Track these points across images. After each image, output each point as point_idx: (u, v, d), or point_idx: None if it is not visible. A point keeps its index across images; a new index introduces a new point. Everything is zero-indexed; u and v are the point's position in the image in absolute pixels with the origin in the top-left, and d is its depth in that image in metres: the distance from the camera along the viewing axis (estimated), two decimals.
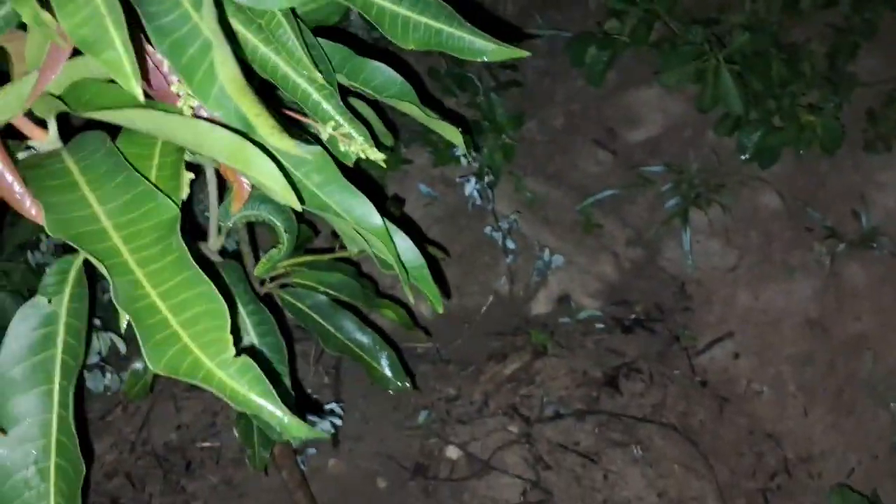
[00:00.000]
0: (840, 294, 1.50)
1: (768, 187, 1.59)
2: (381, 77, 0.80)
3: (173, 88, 0.60)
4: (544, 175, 1.73)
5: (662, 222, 1.61)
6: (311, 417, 1.33)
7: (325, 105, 0.71)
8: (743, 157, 1.58)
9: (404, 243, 0.76)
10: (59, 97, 0.63)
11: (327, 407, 1.38)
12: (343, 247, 0.94)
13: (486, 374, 1.46)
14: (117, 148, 0.62)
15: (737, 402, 1.45)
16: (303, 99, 0.71)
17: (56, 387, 0.65)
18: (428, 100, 1.15)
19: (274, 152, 0.59)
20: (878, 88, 1.61)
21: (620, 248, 1.64)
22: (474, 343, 1.53)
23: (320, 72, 0.69)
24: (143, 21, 0.58)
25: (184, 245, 0.56)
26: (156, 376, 1.05)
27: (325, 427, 1.33)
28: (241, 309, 0.91)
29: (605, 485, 1.31)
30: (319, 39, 0.75)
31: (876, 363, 1.46)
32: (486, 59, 0.77)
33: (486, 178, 1.63)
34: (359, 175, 0.73)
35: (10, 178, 0.62)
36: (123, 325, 0.59)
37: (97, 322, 1.33)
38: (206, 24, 0.58)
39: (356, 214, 0.70)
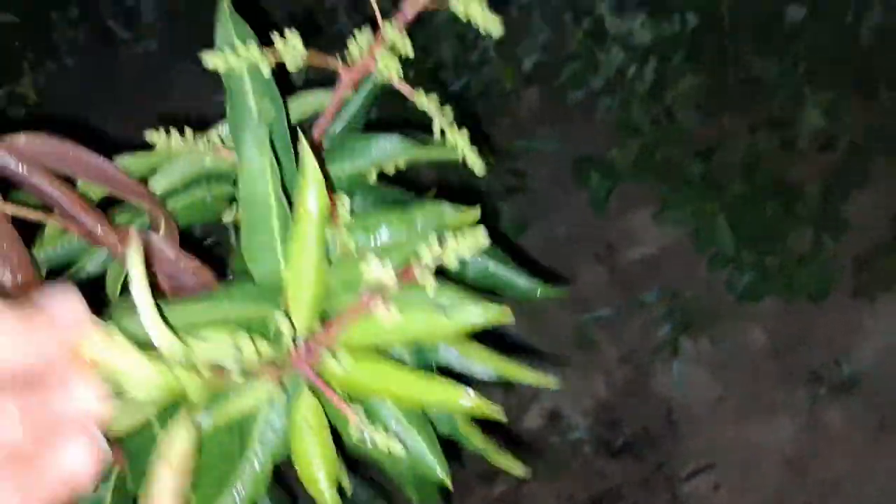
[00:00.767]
0: (818, 437, 1.58)
1: (757, 325, 1.66)
2: None
3: None
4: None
5: (654, 347, 1.68)
6: None
7: None
8: (735, 299, 1.66)
9: None
10: None
11: None
12: None
13: (474, 495, 1.53)
14: None
15: None
16: None
17: None
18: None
19: None
20: (867, 234, 1.70)
21: (613, 366, 1.71)
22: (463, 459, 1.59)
23: None
24: None
25: None
26: None
27: None
28: None
29: None
30: None
31: None
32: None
33: None
34: None
35: None
36: None
37: None
38: None
39: None
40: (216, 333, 0.44)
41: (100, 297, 0.68)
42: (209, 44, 0.58)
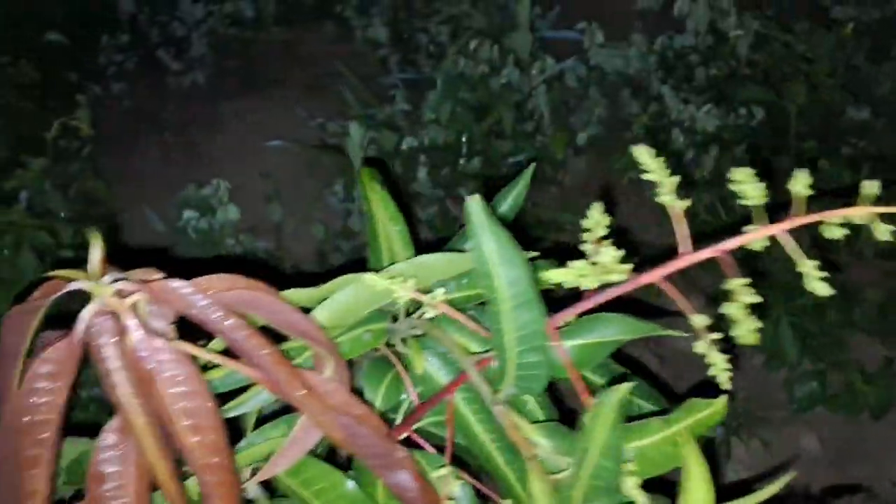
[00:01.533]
0: None
1: (811, 431, 1.63)
2: None
3: None
4: None
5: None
6: None
7: None
8: (793, 407, 1.62)
9: None
10: None
11: None
12: None
13: None
14: None
15: None
16: None
17: None
18: None
19: None
20: None
21: None
22: None
23: None
24: None
25: None
26: None
27: None
28: None
29: None
30: None
31: None
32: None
33: None
34: None
35: None
36: None
37: None
38: None
39: None
40: None
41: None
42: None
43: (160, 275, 0.47)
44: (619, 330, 0.59)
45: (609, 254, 0.48)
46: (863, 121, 1.82)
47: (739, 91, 1.83)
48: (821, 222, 0.52)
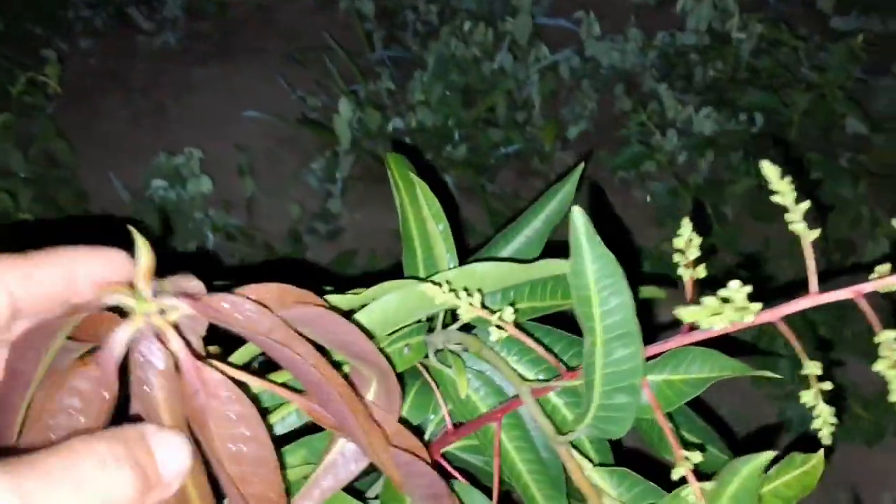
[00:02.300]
0: None
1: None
2: None
3: None
4: None
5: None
6: None
7: None
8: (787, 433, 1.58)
9: None
10: None
11: None
12: None
13: None
14: None
15: None
16: None
17: None
18: None
19: None
20: None
21: None
22: None
23: None
24: None
25: None
26: None
27: None
28: None
29: None
30: None
31: None
32: None
33: None
34: None
35: None
36: None
37: None
38: None
39: None
40: None
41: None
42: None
43: (198, 283, 0.39)
44: (709, 367, 0.52)
45: (741, 292, 0.41)
46: (863, 135, 1.78)
47: (742, 96, 1.77)
48: None
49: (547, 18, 2.08)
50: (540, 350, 0.55)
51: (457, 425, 0.63)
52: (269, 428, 0.44)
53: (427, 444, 0.65)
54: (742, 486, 0.46)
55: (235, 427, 0.35)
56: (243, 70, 2.11)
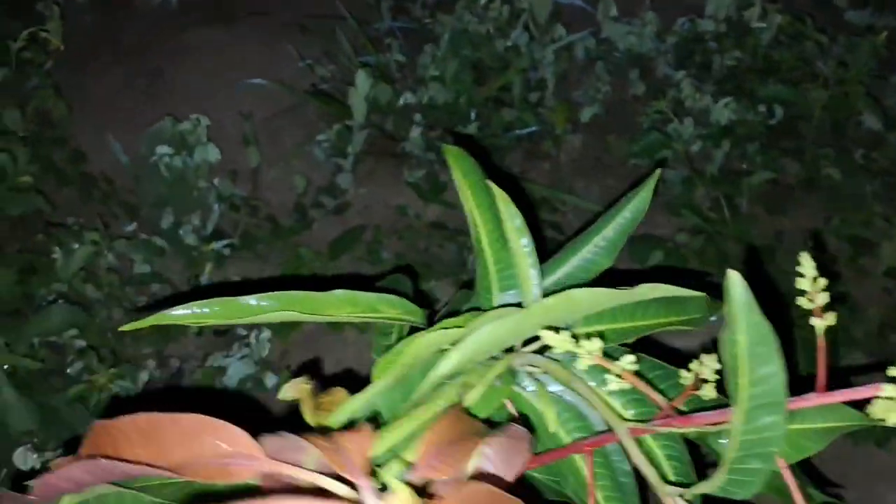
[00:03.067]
0: None
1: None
2: None
3: None
4: None
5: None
6: None
7: None
8: None
9: None
10: None
11: None
12: None
13: None
14: None
15: None
16: None
17: None
18: None
19: None
20: None
21: None
22: None
23: None
24: None
25: None
26: None
27: None
28: None
29: None
30: None
31: None
32: None
33: None
34: None
35: None
36: None
37: None
38: None
39: None
40: None
41: None
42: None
43: None
44: (837, 417, 0.50)
45: None
46: (878, 131, 1.78)
47: (761, 87, 1.75)
48: None
49: None
50: (654, 395, 0.52)
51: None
52: None
53: None
54: None
55: None
56: (246, 35, 2.04)
